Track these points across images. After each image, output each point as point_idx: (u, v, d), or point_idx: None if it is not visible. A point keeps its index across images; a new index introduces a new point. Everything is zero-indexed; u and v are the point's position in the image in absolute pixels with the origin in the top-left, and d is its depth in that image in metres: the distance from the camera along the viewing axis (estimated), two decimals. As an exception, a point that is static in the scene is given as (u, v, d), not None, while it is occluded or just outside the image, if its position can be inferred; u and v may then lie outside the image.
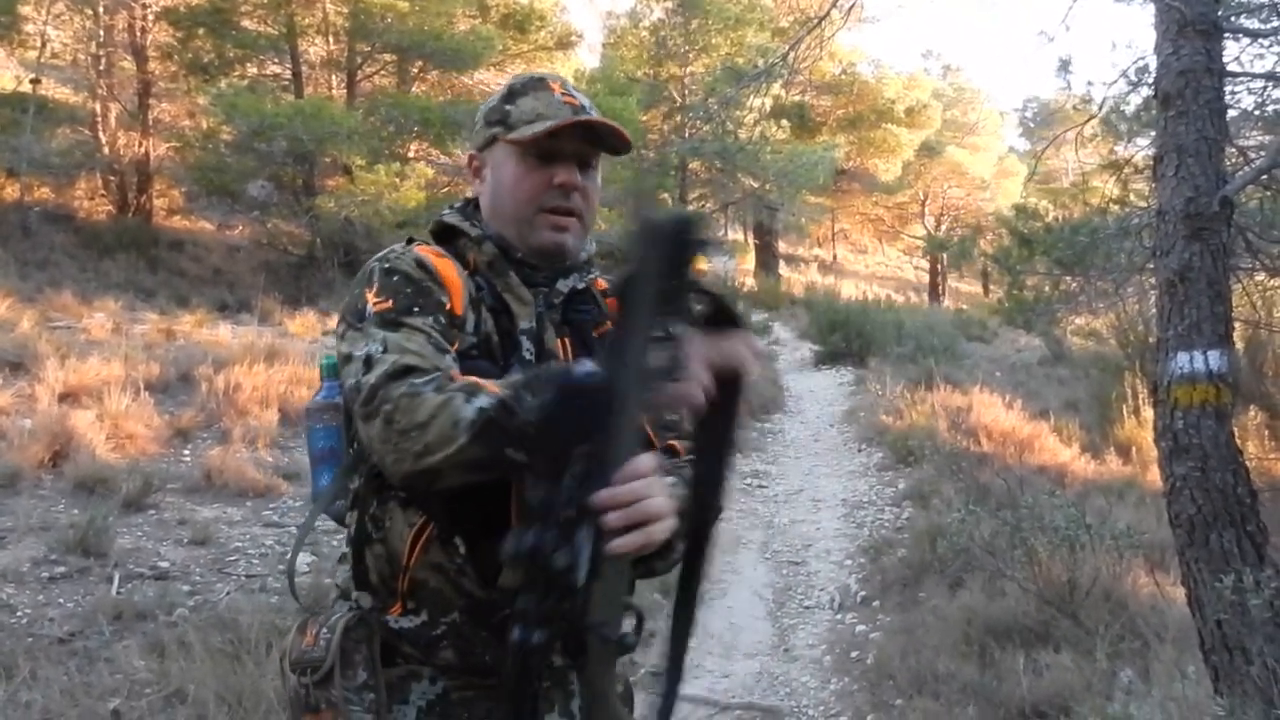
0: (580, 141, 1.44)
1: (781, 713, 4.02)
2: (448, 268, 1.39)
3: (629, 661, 1.58)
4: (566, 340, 1.45)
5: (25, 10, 14.00)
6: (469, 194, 1.56)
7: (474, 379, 1.20)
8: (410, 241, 1.44)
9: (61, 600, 3.98)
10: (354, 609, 1.38)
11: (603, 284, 1.55)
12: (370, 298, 1.32)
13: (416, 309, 1.30)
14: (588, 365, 1.20)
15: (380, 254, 1.40)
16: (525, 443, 1.13)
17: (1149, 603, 4.28)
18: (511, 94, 1.48)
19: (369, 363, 1.24)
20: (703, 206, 20.21)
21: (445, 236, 1.48)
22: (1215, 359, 3.15)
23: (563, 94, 1.46)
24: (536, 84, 1.48)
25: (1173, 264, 3.23)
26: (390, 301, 1.31)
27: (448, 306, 1.34)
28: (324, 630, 1.36)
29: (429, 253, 1.41)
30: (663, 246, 1.10)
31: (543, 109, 1.43)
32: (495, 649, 1.31)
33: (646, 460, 1.10)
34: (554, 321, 1.46)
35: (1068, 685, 3.62)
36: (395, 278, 1.34)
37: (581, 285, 1.50)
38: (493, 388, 1.17)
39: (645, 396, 1.11)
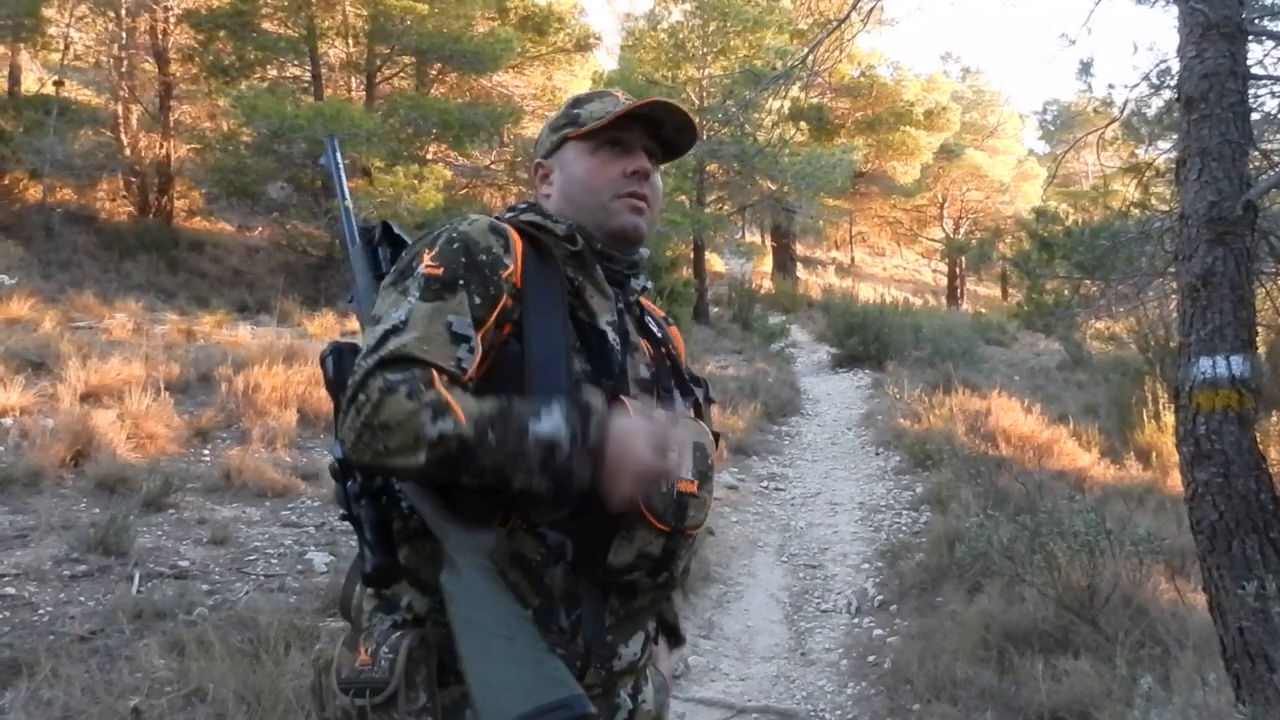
0: (646, 139, 1.51)
1: (798, 716, 4.01)
2: (520, 243, 1.40)
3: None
4: (646, 341, 1.49)
5: (49, 13, 14.14)
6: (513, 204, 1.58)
7: (446, 397, 1.21)
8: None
9: (82, 598, 4.00)
10: (405, 621, 1.34)
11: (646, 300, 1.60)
12: (426, 258, 1.33)
13: (461, 283, 1.31)
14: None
15: (456, 220, 1.41)
16: (482, 478, 1.20)
17: (1170, 609, 4.25)
18: (578, 102, 1.56)
19: (383, 340, 1.25)
20: (720, 209, 20.16)
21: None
22: (1238, 364, 3.12)
23: (626, 98, 1.54)
24: (601, 93, 1.56)
25: (1195, 268, 3.21)
26: (441, 269, 1.31)
27: (508, 272, 1.35)
28: (385, 650, 1.30)
29: (509, 226, 1.42)
30: None
31: (610, 108, 1.50)
32: (567, 645, 1.32)
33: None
34: (635, 319, 1.50)
35: (1087, 691, 3.60)
36: (456, 246, 1.34)
37: (643, 287, 1.55)
38: (461, 414, 1.19)
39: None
